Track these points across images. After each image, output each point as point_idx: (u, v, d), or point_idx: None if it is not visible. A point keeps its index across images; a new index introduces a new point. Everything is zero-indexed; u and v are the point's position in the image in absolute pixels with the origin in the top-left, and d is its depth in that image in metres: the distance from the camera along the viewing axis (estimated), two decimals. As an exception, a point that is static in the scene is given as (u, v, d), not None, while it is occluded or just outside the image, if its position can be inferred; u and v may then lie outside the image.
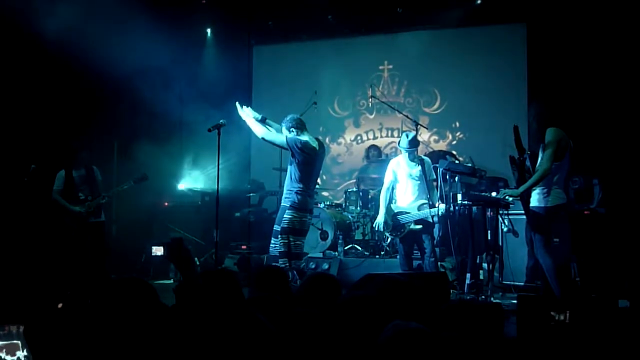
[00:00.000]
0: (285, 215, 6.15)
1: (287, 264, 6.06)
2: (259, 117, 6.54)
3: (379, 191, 7.25)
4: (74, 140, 7.45)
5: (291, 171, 6.22)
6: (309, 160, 6.18)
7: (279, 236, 6.09)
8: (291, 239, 6.10)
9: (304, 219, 6.22)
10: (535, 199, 5.58)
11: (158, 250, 2.58)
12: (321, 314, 2.20)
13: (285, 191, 6.28)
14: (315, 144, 6.26)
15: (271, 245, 6.18)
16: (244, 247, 9.19)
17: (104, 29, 8.51)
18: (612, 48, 8.62)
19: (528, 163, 5.67)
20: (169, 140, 9.02)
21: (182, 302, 2.77)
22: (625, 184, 8.01)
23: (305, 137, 6.22)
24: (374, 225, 7.46)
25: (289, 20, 10.89)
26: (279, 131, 6.47)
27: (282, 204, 6.31)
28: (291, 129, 6.26)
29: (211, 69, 10.77)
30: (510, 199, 6.00)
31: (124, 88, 9.15)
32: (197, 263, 8.70)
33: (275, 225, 6.25)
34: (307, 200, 6.20)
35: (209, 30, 11.22)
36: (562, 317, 3.11)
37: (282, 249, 6.05)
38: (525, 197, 5.68)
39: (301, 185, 6.15)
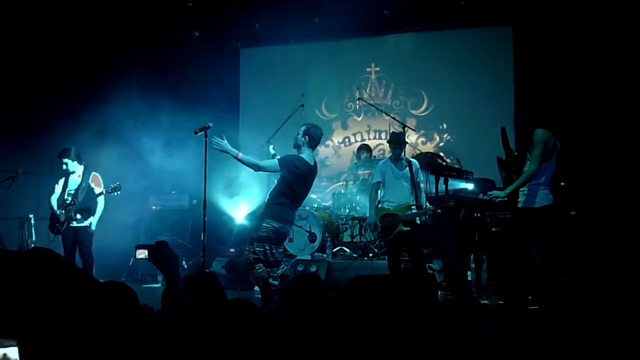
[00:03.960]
0: (263, 224, 6.06)
1: (264, 270, 6.03)
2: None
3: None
4: (67, 146, 7.43)
5: (278, 183, 6.14)
6: (300, 180, 6.12)
7: (255, 243, 6.03)
8: (267, 247, 6.05)
9: (281, 230, 6.12)
10: (522, 200, 5.61)
11: (142, 254, 2.55)
12: (295, 320, 2.19)
13: (267, 200, 6.20)
14: (312, 162, 6.21)
15: (245, 251, 6.14)
16: (232, 250, 9.17)
17: (93, 33, 8.50)
18: (598, 49, 8.69)
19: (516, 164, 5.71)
20: (156, 143, 8.97)
21: (167, 306, 2.75)
22: (612, 185, 8.08)
23: (305, 155, 6.16)
24: (362, 227, 7.47)
25: (276, 23, 10.89)
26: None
27: (262, 211, 6.25)
28: (305, 136, 6.20)
29: (198, 72, 10.75)
30: (498, 200, 6.03)
31: (111, 91, 9.11)
32: (185, 267, 8.67)
33: (252, 232, 6.21)
34: (287, 212, 6.11)
35: (196, 33, 11.19)
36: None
37: (257, 256, 6.00)
38: (512, 198, 5.71)
39: (284, 200, 6.08)
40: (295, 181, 6.06)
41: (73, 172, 7.34)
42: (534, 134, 5.52)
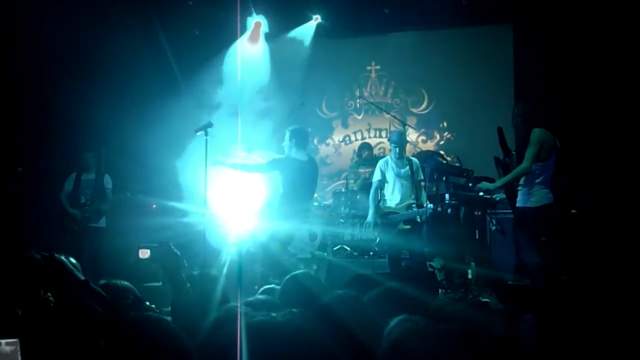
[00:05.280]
0: (265, 226, 6.22)
1: (263, 270, 6.12)
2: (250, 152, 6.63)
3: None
4: (82, 143, 7.45)
5: (279, 185, 6.29)
6: (294, 178, 6.24)
7: (255, 244, 6.17)
8: (266, 249, 6.15)
9: (281, 232, 6.23)
10: (520, 200, 5.61)
11: (144, 254, 2.55)
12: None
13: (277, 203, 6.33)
14: (303, 158, 6.30)
15: (245, 250, 6.24)
16: (232, 248, 9.16)
17: (96, 34, 8.50)
18: (598, 48, 8.69)
19: (515, 164, 5.70)
20: (156, 141, 8.95)
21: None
22: (612, 184, 8.07)
23: (294, 153, 6.27)
24: (363, 226, 7.48)
25: (276, 21, 10.88)
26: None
27: (266, 212, 6.37)
28: (292, 139, 6.33)
29: (199, 70, 10.74)
30: (497, 195, 6.04)
31: (110, 90, 9.11)
32: (186, 265, 8.66)
33: (253, 233, 6.33)
34: (288, 214, 6.21)
35: (196, 32, 11.18)
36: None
37: (256, 257, 6.13)
38: (512, 197, 5.71)
39: (284, 201, 6.22)
40: (288, 180, 6.20)
41: (89, 170, 7.32)
42: (531, 133, 5.52)
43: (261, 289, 3.86)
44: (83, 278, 2.68)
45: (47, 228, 7.89)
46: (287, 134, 6.40)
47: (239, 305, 2.42)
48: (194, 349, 1.82)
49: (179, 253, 2.87)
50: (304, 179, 6.31)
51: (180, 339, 1.91)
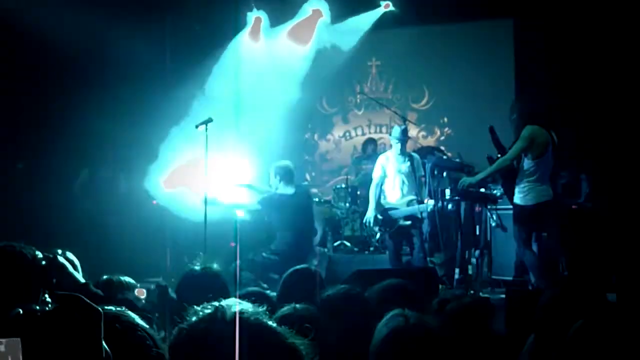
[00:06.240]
0: (258, 253, 6.58)
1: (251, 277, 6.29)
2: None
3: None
4: (83, 141, 7.49)
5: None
6: (280, 212, 6.49)
7: (250, 262, 6.40)
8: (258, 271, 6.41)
9: (270, 259, 6.49)
10: (517, 197, 5.62)
11: (141, 293, 2.59)
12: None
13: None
14: (290, 192, 6.52)
15: (237, 260, 6.41)
16: (232, 244, 9.16)
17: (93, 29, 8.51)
18: (599, 44, 8.67)
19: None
20: (155, 137, 8.95)
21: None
22: (612, 179, 8.06)
23: (280, 189, 6.51)
24: (363, 221, 7.49)
25: (276, 16, 10.86)
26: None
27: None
28: (277, 176, 6.58)
29: (199, 66, 10.73)
30: (497, 190, 6.05)
31: (109, 86, 9.11)
32: (187, 261, 8.65)
33: (251, 252, 6.59)
34: (285, 246, 6.46)
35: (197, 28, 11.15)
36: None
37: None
38: (510, 194, 5.73)
39: (279, 234, 6.56)
40: (278, 217, 6.51)
41: (105, 166, 7.33)
42: (523, 130, 5.54)
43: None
44: (83, 281, 2.69)
45: (48, 225, 7.89)
46: (272, 171, 6.63)
47: (237, 299, 2.42)
48: (171, 345, 1.80)
49: (175, 297, 2.87)
50: (293, 213, 6.48)
51: (143, 334, 1.89)
